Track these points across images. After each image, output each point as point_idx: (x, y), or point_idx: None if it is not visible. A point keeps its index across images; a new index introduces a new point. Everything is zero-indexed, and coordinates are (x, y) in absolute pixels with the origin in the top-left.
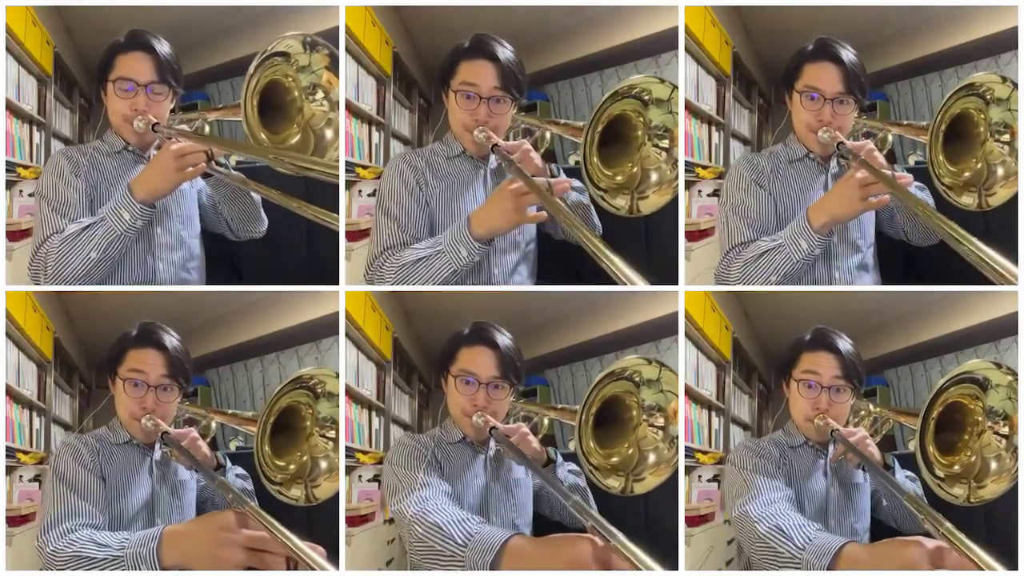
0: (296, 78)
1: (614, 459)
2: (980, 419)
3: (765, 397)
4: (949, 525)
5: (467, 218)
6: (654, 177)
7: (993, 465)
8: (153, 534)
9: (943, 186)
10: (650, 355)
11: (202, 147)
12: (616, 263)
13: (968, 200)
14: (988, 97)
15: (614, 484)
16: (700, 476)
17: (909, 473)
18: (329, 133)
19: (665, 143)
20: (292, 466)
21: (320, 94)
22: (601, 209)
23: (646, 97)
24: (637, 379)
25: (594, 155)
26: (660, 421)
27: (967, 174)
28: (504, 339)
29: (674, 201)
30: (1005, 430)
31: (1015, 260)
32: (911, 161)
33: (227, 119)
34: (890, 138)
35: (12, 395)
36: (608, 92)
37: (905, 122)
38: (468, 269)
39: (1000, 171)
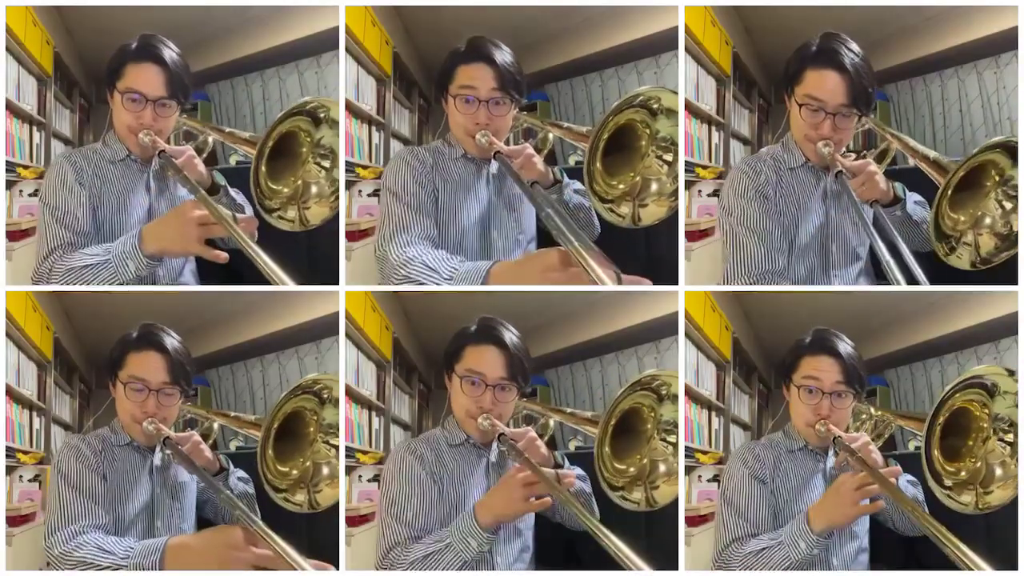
0: (312, 134)
1: (631, 470)
2: (986, 425)
3: (765, 397)
4: (949, 534)
5: (473, 508)
6: (654, 187)
7: (998, 471)
8: (157, 546)
9: (942, 488)
10: (651, 355)
11: (219, 219)
12: None
13: (967, 499)
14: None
15: (638, 497)
16: (700, 476)
17: (911, 477)
18: (314, 188)
19: (669, 156)
20: (295, 472)
21: (328, 162)
22: (604, 219)
23: (655, 106)
24: (664, 392)
25: (597, 161)
26: (673, 438)
27: (963, 474)
28: (512, 337)
29: (672, 215)
30: (1010, 437)
31: None
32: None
33: (237, 146)
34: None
35: (12, 395)
36: (616, 102)
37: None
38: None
39: (999, 471)
